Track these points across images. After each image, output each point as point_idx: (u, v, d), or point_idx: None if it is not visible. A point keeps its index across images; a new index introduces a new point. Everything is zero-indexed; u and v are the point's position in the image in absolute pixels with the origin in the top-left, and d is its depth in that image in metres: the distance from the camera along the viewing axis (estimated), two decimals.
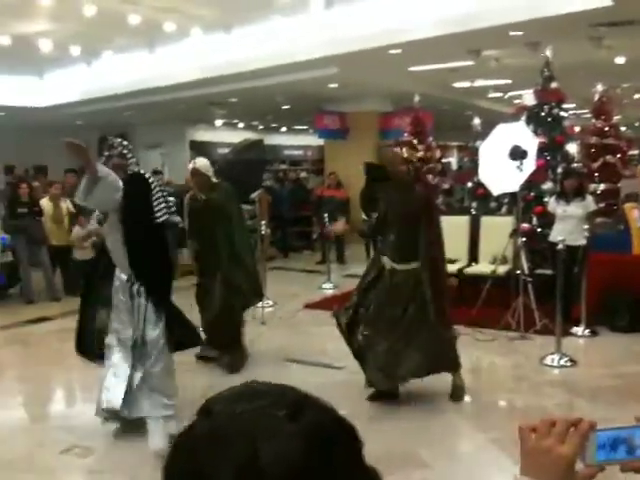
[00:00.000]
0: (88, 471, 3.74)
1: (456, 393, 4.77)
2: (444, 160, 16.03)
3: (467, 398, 4.89)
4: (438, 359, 4.58)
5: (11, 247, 8.78)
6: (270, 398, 0.72)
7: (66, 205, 9.14)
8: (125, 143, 4.20)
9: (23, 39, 9.81)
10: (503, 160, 6.61)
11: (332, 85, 12.38)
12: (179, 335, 4.18)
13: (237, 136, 20.00)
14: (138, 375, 4.00)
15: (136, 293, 4.02)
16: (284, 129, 22.43)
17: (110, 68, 12.21)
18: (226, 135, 18.81)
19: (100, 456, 3.86)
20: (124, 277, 4.07)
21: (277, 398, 0.72)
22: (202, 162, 5.81)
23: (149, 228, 4.09)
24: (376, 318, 4.63)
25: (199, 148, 19.28)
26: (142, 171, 4.27)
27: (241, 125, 20.16)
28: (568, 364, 5.60)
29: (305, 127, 21.16)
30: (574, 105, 14.40)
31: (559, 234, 6.40)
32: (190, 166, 5.83)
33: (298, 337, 6.76)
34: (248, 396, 0.72)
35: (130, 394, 3.99)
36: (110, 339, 4.13)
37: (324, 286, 9.22)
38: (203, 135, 19.99)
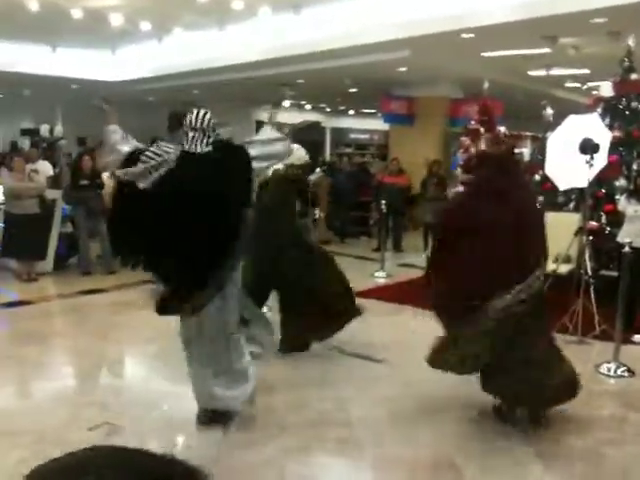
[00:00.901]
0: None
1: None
2: (516, 150, 15.37)
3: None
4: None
5: (71, 218, 8.97)
6: (96, 475, 0.55)
7: None
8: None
9: (95, 13, 9.95)
10: (572, 153, 6.24)
11: (401, 69, 12.08)
12: None
13: (304, 118, 19.93)
14: None
15: None
16: (352, 112, 22.19)
17: (180, 45, 12.29)
18: (293, 116, 18.74)
19: (127, 436, 3.84)
20: None
21: (106, 476, 0.55)
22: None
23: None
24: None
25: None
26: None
27: (308, 107, 20.04)
28: (625, 374, 5.25)
29: (373, 111, 20.88)
30: None
31: (627, 235, 5.99)
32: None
33: None
34: (74, 471, 0.56)
35: None
36: None
37: (377, 274, 9.02)
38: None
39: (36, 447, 3.74)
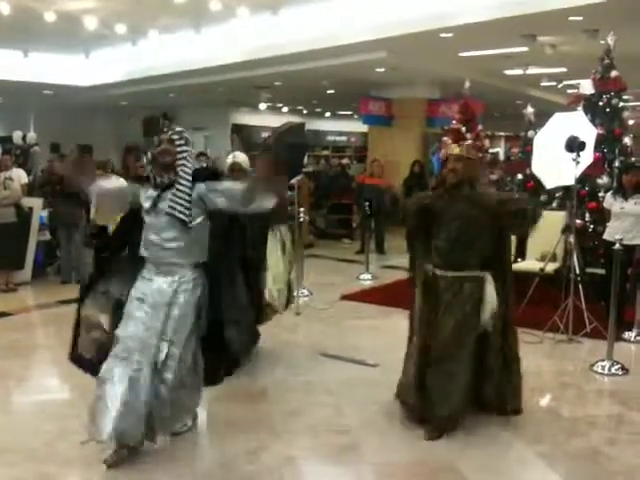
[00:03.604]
0: (106, 465, 3.60)
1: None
2: (491, 150, 15.48)
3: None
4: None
5: (49, 225, 8.76)
6: None
7: None
8: (179, 129, 3.68)
9: (69, 16, 9.75)
10: (558, 151, 6.23)
11: (379, 70, 12.06)
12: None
13: (281, 120, 19.84)
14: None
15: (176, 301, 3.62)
16: (328, 114, 22.14)
17: (156, 48, 12.11)
18: (270, 119, 18.63)
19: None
20: (162, 281, 3.65)
21: None
22: (243, 157, 5.61)
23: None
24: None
25: (242, 131, 19.18)
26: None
27: (285, 109, 19.94)
28: (619, 372, 5.24)
29: (349, 113, 20.84)
30: (630, 97, 13.78)
31: (615, 232, 5.99)
32: (229, 160, 5.57)
33: (333, 330, 6.52)
34: None
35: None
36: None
37: (362, 277, 8.97)
38: (246, 119, 19.85)
39: (28, 465, 3.61)
